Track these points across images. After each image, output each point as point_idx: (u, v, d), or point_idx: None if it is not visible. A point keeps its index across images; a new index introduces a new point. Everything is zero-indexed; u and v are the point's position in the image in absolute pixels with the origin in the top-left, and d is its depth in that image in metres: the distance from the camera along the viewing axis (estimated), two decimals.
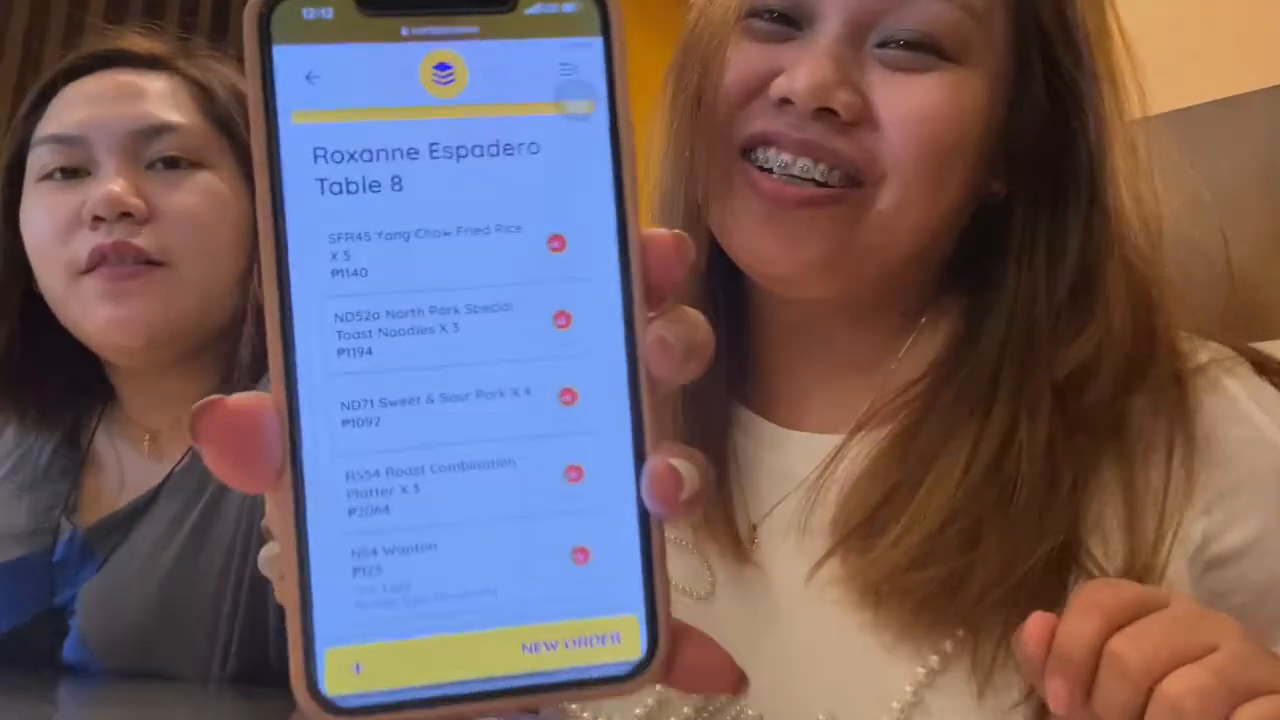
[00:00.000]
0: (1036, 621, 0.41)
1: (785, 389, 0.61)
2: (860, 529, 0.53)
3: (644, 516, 0.26)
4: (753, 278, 0.58)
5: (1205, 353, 0.56)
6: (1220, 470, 0.53)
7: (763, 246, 0.55)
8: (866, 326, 0.60)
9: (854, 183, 0.54)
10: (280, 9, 0.25)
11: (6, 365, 0.87)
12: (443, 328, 0.25)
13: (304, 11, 0.25)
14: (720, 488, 0.58)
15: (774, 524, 0.58)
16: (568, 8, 0.26)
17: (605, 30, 0.26)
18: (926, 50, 0.53)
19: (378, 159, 0.25)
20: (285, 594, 0.25)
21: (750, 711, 0.54)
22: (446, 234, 0.25)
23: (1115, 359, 0.53)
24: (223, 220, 0.84)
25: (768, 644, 0.55)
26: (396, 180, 0.25)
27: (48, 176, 0.84)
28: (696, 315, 0.26)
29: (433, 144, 0.26)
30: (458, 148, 0.26)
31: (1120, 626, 0.40)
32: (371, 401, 0.25)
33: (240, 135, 0.87)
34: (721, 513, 0.57)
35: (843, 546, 0.54)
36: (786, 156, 0.53)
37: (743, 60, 0.55)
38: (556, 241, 0.26)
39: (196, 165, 0.84)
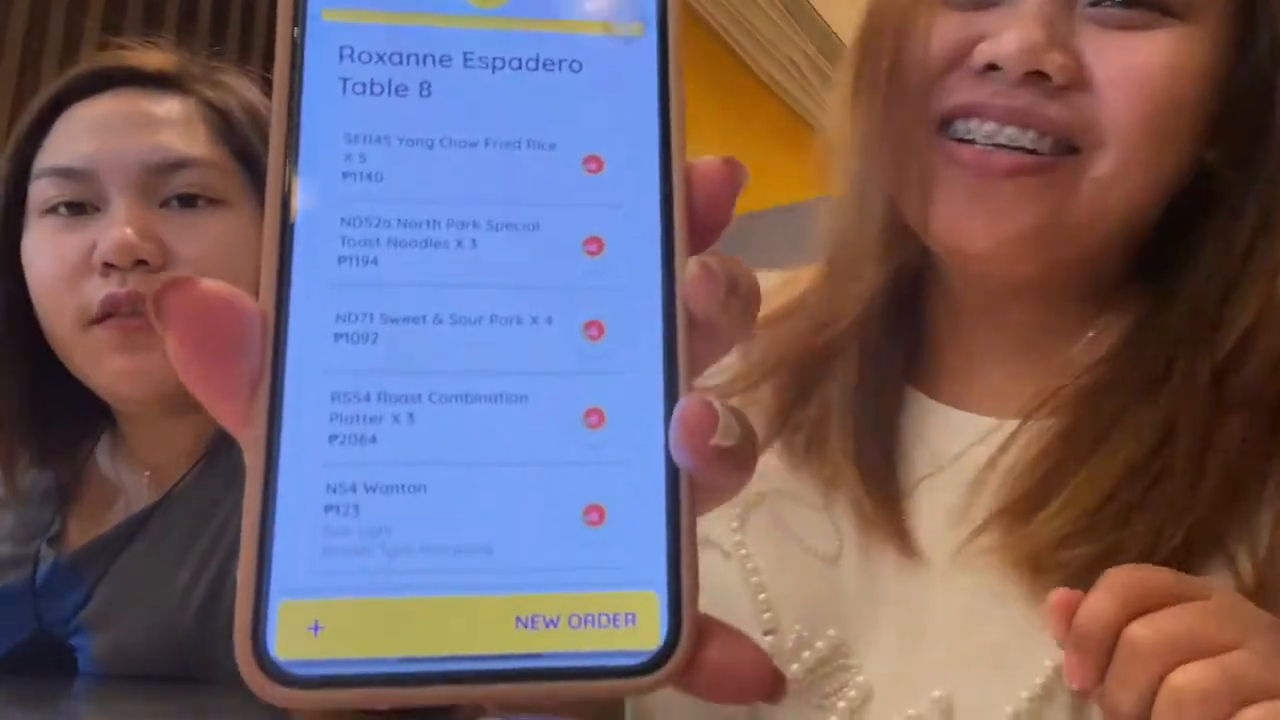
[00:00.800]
0: (1059, 596, 0.41)
1: (952, 367, 0.59)
2: (1019, 504, 0.51)
3: (672, 475, 0.22)
4: (946, 258, 0.55)
5: None
6: None
7: (964, 223, 0.51)
8: (1052, 310, 0.57)
9: (1068, 149, 0.51)
10: None
11: (8, 409, 0.83)
12: (459, 243, 0.23)
13: None
14: (875, 452, 0.56)
15: (922, 497, 0.56)
16: None
17: None
18: (1148, 7, 0.50)
19: (407, 63, 0.24)
20: (244, 532, 0.21)
21: (860, 678, 0.52)
22: (473, 145, 0.23)
23: (1275, 330, 0.51)
24: (241, 266, 0.80)
25: (891, 614, 0.53)
26: (425, 86, 0.24)
27: (51, 210, 0.79)
28: (743, 264, 0.24)
29: (467, 53, 0.24)
30: (494, 59, 0.24)
31: (1145, 611, 0.40)
32: (371, 316, 0.22)
33: (261, 168, 0.82)
34: (869, 477, 0.55)
35: (999, 520, 0.51)
36: (991, 125, 0.51)
37: (941, 29, 0.52)
38: (593, 163, 0.24)
39: (214, 202, 0.80)
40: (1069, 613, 0.41)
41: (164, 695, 0.73)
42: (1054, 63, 0.49)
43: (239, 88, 0.86)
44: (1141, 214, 0.53)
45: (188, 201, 0.80)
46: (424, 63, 0.24)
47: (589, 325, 0.23)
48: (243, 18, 2.43)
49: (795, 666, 0.53)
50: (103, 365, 0.78)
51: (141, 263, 0.76)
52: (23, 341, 0.82)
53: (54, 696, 0.73)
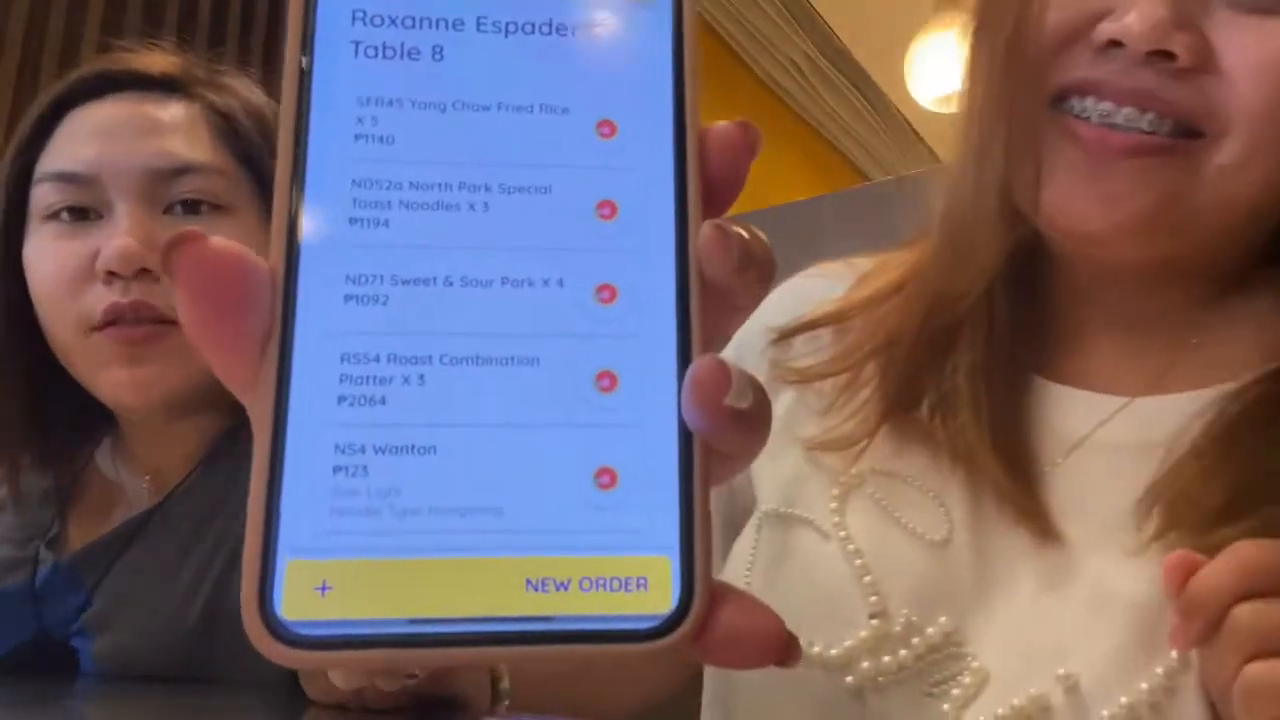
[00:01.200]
0: (1178, 555, 0.41)
1: (1068, 347, 0.58)
2: (1200, 514, 0.48)
3: (685, 439, 0.22)
4: (1056, 239, 0.54)
5: None
6: None
7: (1077, 203, 0.50)
8: (1172, 291, 0.55)
9: (1189, 133, 0.49)
10: None
11: (9, 412, 0.82)
12: (471, 206, 0.23)
13: None
14: (1008, 430, 0.54)
15: (1054, 479, 0.53)
16: None
17: None
18: None
19: (419, 27, 0.24)
20: (252, 492, 0.21)
21: (975, 664, 0.50)
22: (485, 108, 0.23)
23: None
24: None
25: (1012, 597, 0.51)
26: (438, 50, 0.24)
27: (53, 216, 0.79)
28: (757, 231, 0.24)
29: (480, 16, 0.24)
30: (507, 23, 0.24)
31: (1262, 591, 0.39)
32: (381, 278, 0.22)
33: (265, 172, 0.82)
34: (1005, 454, 0.53)
35: (1175, 525, 0.48)
36: (1108, 105, 0.49)
37: (1063, 1, 0.51)
38: (606, 127, 0.24)
39: (218, 209, 0.80)
40: (1185, 575, 0.41)
41: (166, 696, 0.73)
42: (1181, 43, 0.48)
43: (242, 90, 0.86)
44: (1270, 202, 0.51)
45: (191, 208, 0.80)
46: (437, 26, 0.24)
47: (601, 289, 0.23)
48: (242, 18, 2.43)
49: (904, 652, 0.51)
50: (105, 374, 0.78)
51: (145, 271, 0.76)
52: (23, 345, 0.81)
53: (56, 698, 0.73)
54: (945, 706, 0.50)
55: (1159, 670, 0.46)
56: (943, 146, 0.59)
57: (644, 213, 0.23)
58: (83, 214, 0.79)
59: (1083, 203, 0.50)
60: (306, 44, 0.23)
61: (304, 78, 0.23)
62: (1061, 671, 0.48)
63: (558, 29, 0.24)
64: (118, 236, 0.76)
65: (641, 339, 0.23)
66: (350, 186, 0.23)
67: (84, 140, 0.80)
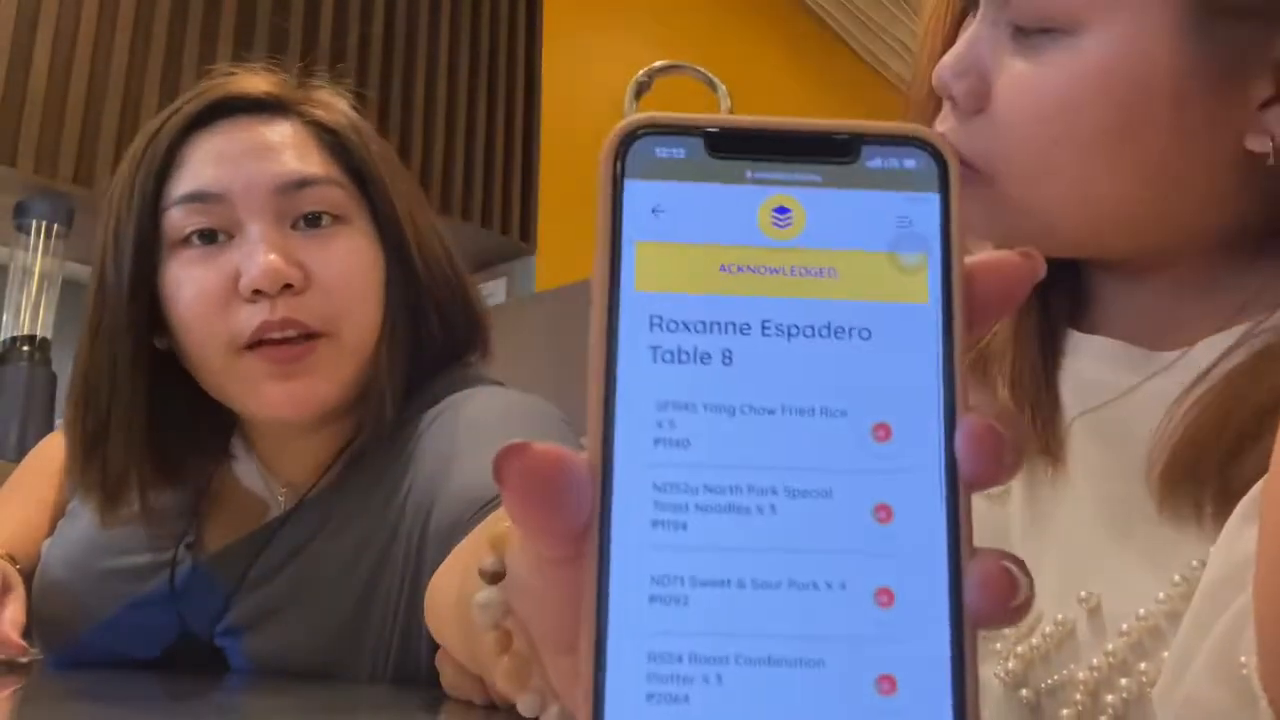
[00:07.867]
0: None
1: (1119, 307, 0.62)
2: (1209, 456, 0.50)
3: None
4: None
5: None
6: None
7: None
8: (1209, 257, 0.58)
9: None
10: (636, 145, 0.27)
11: (141, 430, 0.87)
12: (759, 509, 0.25)
13: (657, 150, 0.27)
14: (1031, 388, 0.59)
15: (1087, 425, 0.58)
16: (907, 163, 0.27)
17: (944, 188, 0.27)
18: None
19: (710, 331, 0.26)
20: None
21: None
22: (771, 412, 0.26)
23: None
24: (371, 279, 0.87)
25: (1051, 533, 0.56)
26: (727, 354, 0.26)
27: (185, 241, 0.85)
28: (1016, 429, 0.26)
29: (765, 321, 0.26)
30: (789, 326, 0.26)
31: None
32: (682, 579, 0.25)
33: (372, 180, 0.89)
34: (1030, 415, 0.58)
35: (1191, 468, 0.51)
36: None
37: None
38: (881, 430, 0.26)
39: (338, 219, 0.87)
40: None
41: (313, 691, 0.77)
42: (957, 89, 0.56)
43: (336, 103, 0.93)
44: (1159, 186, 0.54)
45: (313, 221, 0.86)
46: (725, 331, 0.26)
47: (880, 592, 0.25)
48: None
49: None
50: (261, 391, 0.83)
51: (288, 286, 0.82)
52: (146, 368, 0.87)
53: (203, 692, 0.77)
54: (997, 645, 0.54)
55: (1176, 577, 0.49)
56: None
57: (917, 514, 0.26)
58: (212, 236, 0.85)
59: None
60: (610, 349, 0.26)
61: (609, 383, 0.26)
62: (1083, 594, 0.52)
63: (836, 332, 0.26)
64: (259, 255, 0.82)
65: (917, 645, 0.25)
66: (652, 490, 0.25)
67: (208, 163, 0.86)
